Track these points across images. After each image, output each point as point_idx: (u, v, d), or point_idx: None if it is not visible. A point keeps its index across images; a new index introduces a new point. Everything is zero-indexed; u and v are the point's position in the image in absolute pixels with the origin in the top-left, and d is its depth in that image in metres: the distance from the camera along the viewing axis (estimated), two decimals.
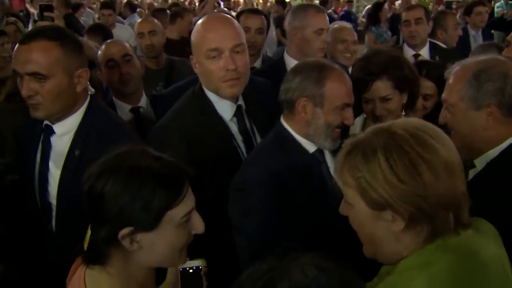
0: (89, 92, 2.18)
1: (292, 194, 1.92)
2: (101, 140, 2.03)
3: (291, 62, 3.18)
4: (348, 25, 4.05)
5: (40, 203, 2.17)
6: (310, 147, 2.01)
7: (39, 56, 1.96)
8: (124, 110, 2.93)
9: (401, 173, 1.19)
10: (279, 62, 3.32)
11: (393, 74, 2.30)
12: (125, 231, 1.30)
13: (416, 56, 3.98)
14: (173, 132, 2.05)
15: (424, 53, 4.03)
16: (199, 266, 1.56)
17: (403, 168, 1.19)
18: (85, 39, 3.84)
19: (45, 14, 2.87)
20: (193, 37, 2.12)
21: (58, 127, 2.09)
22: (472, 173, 1.89)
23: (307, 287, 0.89)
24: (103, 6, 6.61)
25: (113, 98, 3.02)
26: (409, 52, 4.05)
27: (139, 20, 4.23)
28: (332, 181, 2.00)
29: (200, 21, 2.13)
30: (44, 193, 2.14)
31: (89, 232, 1.40)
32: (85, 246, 1.40)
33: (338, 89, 1.94)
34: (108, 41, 3.17)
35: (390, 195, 1.20)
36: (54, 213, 2.13)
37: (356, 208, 1.30)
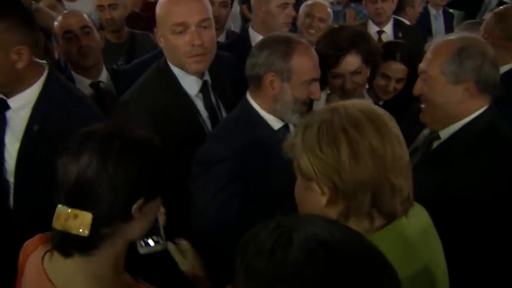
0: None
1: (253, 171, 1.91)
2: (61, 113, 1.97)
3: (255, 37, 3.15)
4: (323, 2, 4.00)
5: None
6: (276, 124, 2.00)
7: None
8: (83, 84, 2.85)
9: (323, 144, 1.23)
10: (244, 36, 3.28)
11: (362, 48, 2.33)
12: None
13: (380, 32, 4.02)
14: (137, 107, 2.01)
15: (388, 30, 4.06)
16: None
17: (327, 139, 1.23)
18: (47, 10, 3.71)
19: None
20: (158, 9, 2.07)
21: (13, 102, 1.99)
22: (436, 144, 1.99)
23: (324, 236, 0.88)
24: None
25: (72, 72, 2.93)
26: (373, 29, 4.06)
27: None
28: None
29: None
30: (0, 170, 2.06)
31: (61, 214, 1.32)
32: (57, 227, 1.32)
33: (305, 63, 1.94)
34: (65, 11, 3.06)
35: (312, 163, 1.24)
36: (12, 190, 2.06)
37: (297, 179, 1.34)
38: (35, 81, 1.98)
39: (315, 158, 1.23)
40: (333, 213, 1.25)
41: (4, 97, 2.01)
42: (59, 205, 1.32)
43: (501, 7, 3.14)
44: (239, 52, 2.43)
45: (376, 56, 2.42)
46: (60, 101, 2.01)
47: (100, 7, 3.76)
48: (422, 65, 1.98)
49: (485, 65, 1.87)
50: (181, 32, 2.00)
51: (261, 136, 1.97)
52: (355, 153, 1.20)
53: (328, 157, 1.22)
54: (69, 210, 1.28)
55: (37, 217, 2.05)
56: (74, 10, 3.19)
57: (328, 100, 2.55)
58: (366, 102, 1.36)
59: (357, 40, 2.34)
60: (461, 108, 1.90)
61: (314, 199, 1.28)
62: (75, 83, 2.84)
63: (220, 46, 3.22)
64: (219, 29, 3.55)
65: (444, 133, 1.96)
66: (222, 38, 3.57)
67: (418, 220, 1.36)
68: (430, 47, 1.97)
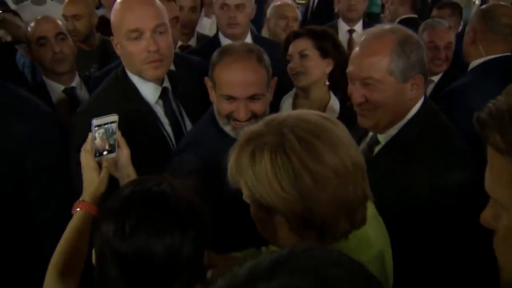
0: None
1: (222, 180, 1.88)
2: (10, 114, 1.96)
3: (224, 41, 3.13)
4: (288, 1, 4.01)
5: None
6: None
7: None
8: (56, 90, 2.89)
9: (283, 181, 1.13)
10: (214, 40, 3.25)
11: (314, 35, 2.39)
12: None
13: (351, 31, 4.01)
14: (90, 117, 1.96)
15: (359, 29, 4.04)
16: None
17: (286, 176, 1.12)
18: (13, 18, 3.68)
19: None
20: (112, 17, 2.03)
21: None
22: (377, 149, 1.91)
23: None
24: None
25: (44, 78, 2.94)
26: (344, 28, 4.08)
27: (65, 1, 3.97)
28: None
29: (119, 0, 2.03)
30: None
31: None
32: None
33: (223, 77, 1.88)
34: (39, 17, 3.04)
35: (273, 200, 1.14)
36: None
37: (252, 207, 1.25)
38: None
39: (276, 195, 1.13)
40: (304, 237, 1.18)
41: None
42: None
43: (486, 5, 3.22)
44: (210, 56, 2.40)
45: (334, 51, 2.41)
46: (6, 104, 1.98)
47: (64, 17, 3.70)
48: (356, 70, 1.81)
49: (424, 53, 1.81)
50: (136, 39, 1.96)
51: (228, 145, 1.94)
52: (319, 184, 1.13)
53: (291, 194, 1.13)
54: None
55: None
56: (48, 16, 3.15)
57: (295, 104, 2.56)
58: (308, 115, 1.24)
59: (313, 30, 2.41)
60: (410, 104, 1.82)
61: (278, 227, 1.21)
62: (48, 89, 2.87)
63: (191, 50, 3.22)
64: (189, 34, 3.56)
65: (384, 137, 1.88)
66: (193, 42, 3.56)
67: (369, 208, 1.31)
68: (356, 48, 1.84)
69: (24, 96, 2.12)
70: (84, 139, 1.94)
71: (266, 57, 1.95)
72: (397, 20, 4.24)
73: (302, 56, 2.41)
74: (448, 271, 1.70)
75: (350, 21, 4.10)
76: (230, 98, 1.87)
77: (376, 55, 1.76)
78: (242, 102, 1.86)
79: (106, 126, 1.68)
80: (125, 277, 1.15)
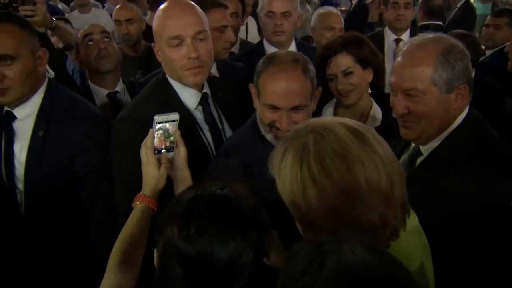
0: (48, 75, 2.23)
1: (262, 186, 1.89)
2: (64, 117, 2.11)
3: (269, 48, 3.14)
4: (334, 10, 3.97)
5: (9, 189, 2.19)
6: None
7: (4, 38, 1.99)
8: (101, 95, 2.97)
9: (294, 186, 1.19)
10: (259, 47, 3.26)
11: (353, 50, 2.32)
12: None
13: (398, 41, 3.94)
14: (132, 123, 2.00)
15: (405, 38, 3.97)
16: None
17: (295, 182, 1.18)
18: (65, 25, 3.81)
19: None
20: (154, 24, 2.06)
21: (18, 112, 2.13)
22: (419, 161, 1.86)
23: (356, 268, 0.85)
24: None
25: (89, 83, 3.03)
26: (391, 37, 4.01)
27: (117, 7, 4.12)
28: None
29: (161, 7, 2.07)
30: (12, 179, 2.17)
31: None
32: None
33: (267, 86, 1.89)
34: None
35: (287, 200, 1.21)
36: (23, 197, 2.16)
37: None
38: (38, 90, 2.12)
39: (289, 196, 1.21)
40: None
41: (9, 109, 2.13)
42: None
43: None
44: (254, 63, 2.42)
45: (373, 59, 2.37)
46: (61, 106, 2.13)
47: (117, 22, 3.86)
48: (399, 80, 1.77)
49: (469, 62, 1.75)
50: (177, 45, 1.99)
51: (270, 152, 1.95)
52: (323, 199, 1.16)
53: (300, 201, 1.19)
54: None
55: (48, 223, 2.18)
56: (96, 23, 3.33)
57: (335, 112, 2.52)
58: (336, 126, 1.24)
59: (348, 42, 2.34)
60: (454, 115, 1.77)
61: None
62: (93, 94, 2.97)
63: (234, 57, 3.24)
64: None
65: (426, 148, 1.82)
66: (235, 49, 3.57)
67: (410, 220, 1.30)
68: (399, 58, 1.79)
69: (77, 99, 2.25)
70: (123, 145, 1.99)
71: (311, 67, 1.94)
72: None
73: (347, 74, 2.34)
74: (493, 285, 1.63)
75: (398, 31, 4.04)
76: (274, 107, 1.88)
77: (419, 65, 1.72)
78: (285, 112, 1.87)
79: (167, 123, 1.73)
80: (189, 277, 1.18)
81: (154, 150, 1.73)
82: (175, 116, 1.74)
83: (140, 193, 1.73)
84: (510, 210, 1.61)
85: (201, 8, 2.60)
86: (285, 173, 1.21)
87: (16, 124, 2.15)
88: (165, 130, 1.73)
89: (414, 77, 1.72)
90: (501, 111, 2.72)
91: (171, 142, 1.77)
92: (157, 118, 1.71)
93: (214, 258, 1.14)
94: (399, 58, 1.80)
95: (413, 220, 1.31)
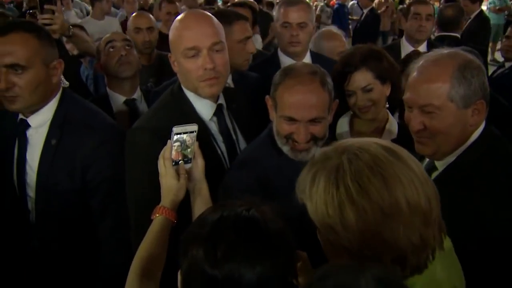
0: (62, 85, 2.23)
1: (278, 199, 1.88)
2: (78, 127, 2.12)
3: (284, 59, 3.14)
4: (336, 30, 3.83)
5: (20, 196, 2.20)
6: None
7: (17, 48, 1.99)
8: (118, 101, 3.00)
9: (330, 208, 1.15)
10: (274, 58, 3.26)
11: (372, 65, 2.28)
12: None
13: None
14: (147, 133, 1.99)
15: (422, 49, 3.92)
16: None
17: (331, 204, 1.15)
18: (81, 33, 3.83)
19: (46, 6, 2.82)
20: (170, 35, 2.06)
21: (32, 120, 2.14)
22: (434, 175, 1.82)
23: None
24: None
25: (107, 89, 3.05)
26: (407, 48, 3.99)
27: (134, 14, 4.15)
28: None
29: (177, 18, 2.06)
30: (23, 186, 2.19)
31: None
32: None
33: (285, 98, 1.88)
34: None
35: (320, 223, 1.18)
36: (33, 205, 2.17)
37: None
38: (52, 99, 2.13)
39: (323, 219, 1.17)
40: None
41: (24, 117, 2.14)
42: None
43: None
44: (268, 73, 2.42)
45: (391, 72, 2.35)
46: (75, 116, 2.15)
47: (136, 30, 3.88)
48: (414, 97, 1.75)
49: (485, 78, 1.73)
50: (193, 56, 1.98)
51: (285, 164, 1.94)
52: (362, 220, 1.12)
53: (336, 223, 1.15)
54: None
55: (58, 232, 2.19)
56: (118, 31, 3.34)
57: (352, 122, 2.50)
58: (371, 145, 1.22)
59: (367, 57, 2.30)
60: (470, 130, 1.75)
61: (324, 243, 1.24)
62: (110, 101, 3.00)
63: (249, 67, 3.22)
64: None
65: (442, 163, 1.80)
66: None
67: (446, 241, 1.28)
68: (414, 74, 1.77)
69: (92, 109, 2.26)
70: (137, 155, 1.98)
71: (329, 79, 1.94)
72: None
73: (366, 91, 2.31)
74: None
75: (416, 42, 4.03)
76: (291, 119, 1.87)
77: (435, 81, 1.71)
78: (303, 125, 1.86)
79: (185, 135, 1.72)
80: None
81: (172, 161, 1.72)
82: (194, 127, 1.73)
83: (160, 205, 1.72)
84: None
85: (226, 20, 2.64)
86: (319, 196, 1.17)
87: (29, 132, 2.16)
88: (183, 142, 1.72)
89: (430, 93, 1.71)
90: None
91: (189, 154, 1.75)
92: (175, 129, 1.70)
93: (242, 282, 1.12)
94: (414, 74, 1.78)
95: (447, 241, 1.29)
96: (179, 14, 2.15)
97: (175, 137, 1.70)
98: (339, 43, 3.56)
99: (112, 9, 7.55)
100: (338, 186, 1.14)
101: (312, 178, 1.20)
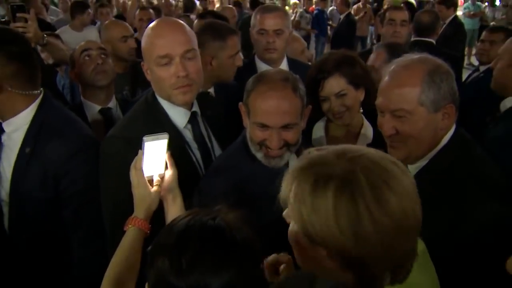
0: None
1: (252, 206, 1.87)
2: (52, 135, 2.07)
3: (260, 65, 3.16)
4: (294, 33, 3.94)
5: None
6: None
7: None
8: (93, 110, 2.96)
9: (342, 220, 1.08)
10: (250, 64, 3.26)
11: (345, 71, 2.30)
12: None
13: None
14: (121, 142, 1.97)
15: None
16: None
17: (347, 216, 1.08)
18: (56, 41, 3.80)
19: (18, 15, 2.78)
20: (143, 43, 2.05)
21: (6, 125, 2.11)
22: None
23: None
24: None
25: (82, 98, 3.02)
26: None
27: (115, 24, 4.16)
28: None
29: (149, 26, 2.05)
30: None
31: None
32: None
33: (257, 104, 1.88)
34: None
35: (324, 235, 1.10)
36: (7, 209, 2.14)
37: (295, 233, 1.20)
38: (27, 107, 2.08)
39: (329, 231, 1.09)
40: (340, 277, 1.15)
41: (0, 121, 2.11)
42: None
43: None
44: (245, 80, 2.43)
45: (365, 78, 2.37)
46: (50, 124, 2.09)
47: (123, 38, 3.90)
48: (386, 102, 1.78)
49: (454, 82, 1.76)
50: (166, 64, 1.97)
51: (259, 170, 1.94)
52: (380, 234, 1.08)
53: (347, 236, 1.08)
54: None
55: (32, 238, 2.15)
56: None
57: (327, 128, 2.51)
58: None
59: (340, 63, 2.31)
60: (441, 134, 1.77)
61: (317, 258, 1.16)
62: (85, 110, 2.95)
63: None
64: None
65: (414, 167, 1.82)
66: None
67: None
68: (385, 79, 1.79)
69: (69, 118, 2.22)
70: (111, 164, 1.96)
71: (301, 85, 1.94)
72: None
73: (340, 96, 2.32)
74: None
75: None
76: (264, 126, 1.87)
77: (406, 86, 1.73)
78: (275, 131, 1.86)
79: (156, 144, 1.70)
80: None
81: (144, 171, 1.70)
82: (165, 136, 1.71)
83: (132, 216, 1.70)
84: (497, 232, 1.60)
85: (219, 35, 2.66)
86: (324, 204, 1.09)
87: (4, 138, 2.12)
88: (155, 150, 1.70)
89: (401, 97, 1.73)
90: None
91: (160, 163, 1.74)
92: (146, 138, 1.68)
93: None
94: (385, 79, 1.80)
95: (420, 243, 1.28)
96: (152, 20, 2.14)
97: (146, 147, 1.68)
98: (299, 44, 3.74)
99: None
100: (355, 199, 1.08)
101: (314, 186, 1.12)
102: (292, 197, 1.16)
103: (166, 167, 1.76)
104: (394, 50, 2.94)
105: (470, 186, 1.67)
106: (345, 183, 1.09)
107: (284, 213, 1.26)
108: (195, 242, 1.15)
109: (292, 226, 1.21)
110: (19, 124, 2.08)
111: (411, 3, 6.60)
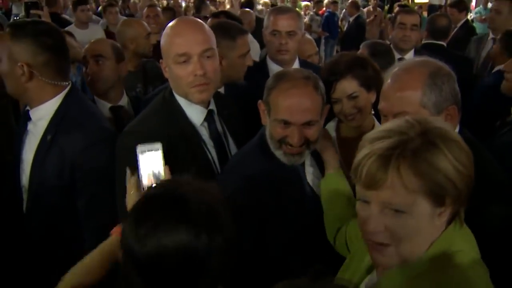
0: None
1: (266, 203, 1.91)
2: (73, 125, 2.16)
3: (272, 66, 3.18)
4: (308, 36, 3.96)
5: (17, 186, 2.27)
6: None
7: None
8: (104, 108, 2.95)
9: (463, 160, 1.26)
10: (262, 65, 3.29)
11: (357, 73, 2.31)
12: None
13: (401, 60, 3.95)
14: (137, 138, 1.98)
15: (409, 57, 3.98)
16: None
17: (464, 157, 1.26)
18: (68, 39, 3.83)
19: (32, 11, 2.82)
20: (162, 41, 2.08)
21: (33, 113, 2.22)
22: None
23: None
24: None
25: (94, 96, 3.02)
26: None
27: (140, 23, 4.18)
28: (310, 190, 2.00)
29: (169, 25, 2.09)
30: (20, 177, 2.25)
31: None
32: None
33: (279, 101, 1.90)
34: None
35: (454, 180, 1.24)
36: (26, 195, 2.23)
37: (410, 213, 1.25)
38: (54, 97, 2.19)
39: (459, 175, 1.24)
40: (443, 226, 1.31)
41: (28, 109, 2.23)
42: None
43: None
44: (257, 80, 2.44)
45: (376, 80, 2.37)
46: (73, 116, 2.19)
47: (148, 35, 3.98)
48: (388, 105, 1.79)
49: (456, 83, 1.77)
50: (184, 62, 2.00)
51: (276, 169, 1.97)
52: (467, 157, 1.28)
53: (470, 170, 1.27)
54: None
55: (48, 222, 2.22)
56: (102, 39, 3.36)
57: (338, 128, 2.53)
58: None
59: (352, 65, 2.32)
60: None
61: (433, 222, 1.27)
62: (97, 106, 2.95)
63: None
64: None
65: None
66: None
67: None
68: (387, 83, 1.81)
69: (90, 110, 2.31)
70: (127, 160, 2.00)
71: (321, 84, 1.97)
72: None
73: (352, 98, 2.33)
74: None
75: (402, 51, 4.08)
76: (285, 123, 1.89)
77: (407, 89, 1.75)
78: (297, 128, 1.89)
79: (150, 153, 1.70)
80: (145, 282, 1.20)
81: (143, 188, 1.68)
82: (158, 145, 1.71)
83: (120, 225, 1.68)
84: (504, 233, 1.62)
85: (229, 35, 2.67)
86: (443, 158, 1.23)
87: (30, 125, 2.24)
88: (150, 158, 1.70)
89: (403, 101, 1.75)
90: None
91: (155, 172, 1.72)
92: (139, 148, 1.69)
93: (166, 257, 1.18)
94: (387, 83, 1.82)
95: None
96: (158, 16, 2.16)
97: (140, 155, 1.68)
98: (310, 47, 3.75)
99: (94, 16, 7.58)
100: (452, 139, 1.27)
101: (427, 151, 1.23)
102: (406, 179, 1.23)
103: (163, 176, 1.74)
104: (374, 49, 3.21)
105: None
106: (437, 138, 1.25)
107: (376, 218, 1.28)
108: (156, 210, 1.23)
109: (411, 208, 1.25)
110: (44, 113, 2.18)
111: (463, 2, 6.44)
